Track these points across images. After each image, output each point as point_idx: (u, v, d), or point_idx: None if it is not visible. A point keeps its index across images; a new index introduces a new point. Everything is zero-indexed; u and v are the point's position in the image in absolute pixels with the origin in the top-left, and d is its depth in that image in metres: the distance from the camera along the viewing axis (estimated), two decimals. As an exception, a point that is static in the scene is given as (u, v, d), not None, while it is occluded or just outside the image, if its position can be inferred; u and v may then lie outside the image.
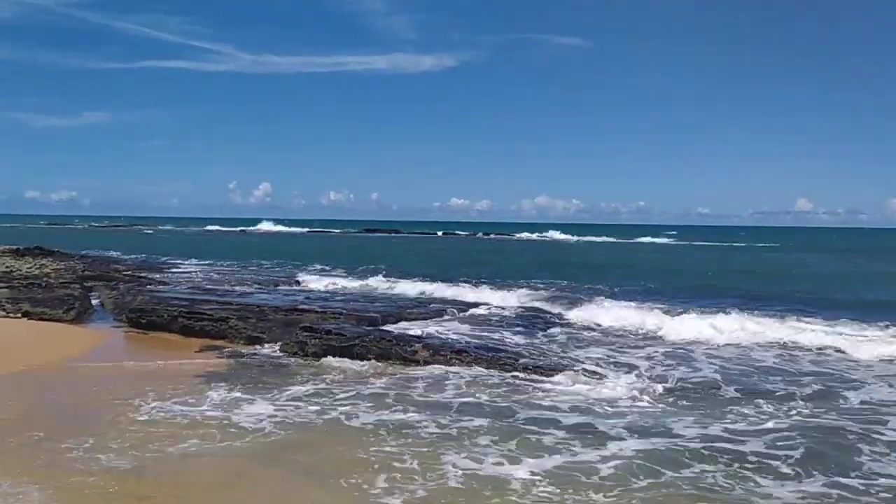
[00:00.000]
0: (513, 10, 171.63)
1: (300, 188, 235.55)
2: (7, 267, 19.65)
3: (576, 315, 15.16)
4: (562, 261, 36.62)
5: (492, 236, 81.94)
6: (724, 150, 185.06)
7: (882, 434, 7.29)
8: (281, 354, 11.28)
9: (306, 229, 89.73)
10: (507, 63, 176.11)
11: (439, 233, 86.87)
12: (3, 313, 14.03)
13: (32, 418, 7.43)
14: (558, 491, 5.72)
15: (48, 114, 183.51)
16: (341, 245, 53.01)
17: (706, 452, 6.64)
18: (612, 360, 11.05)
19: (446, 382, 9.46)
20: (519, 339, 12.73)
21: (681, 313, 14.76)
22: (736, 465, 6.36)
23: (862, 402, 8.65)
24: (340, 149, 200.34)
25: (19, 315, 13.95)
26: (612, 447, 6.78)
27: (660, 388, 9.22)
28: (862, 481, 6.01)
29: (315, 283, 21.56)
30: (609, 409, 8.28)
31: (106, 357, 11.07)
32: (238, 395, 8.57)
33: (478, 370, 10.13)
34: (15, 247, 24.96)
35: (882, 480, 6.02)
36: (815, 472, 6.16)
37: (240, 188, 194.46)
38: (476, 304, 16.64)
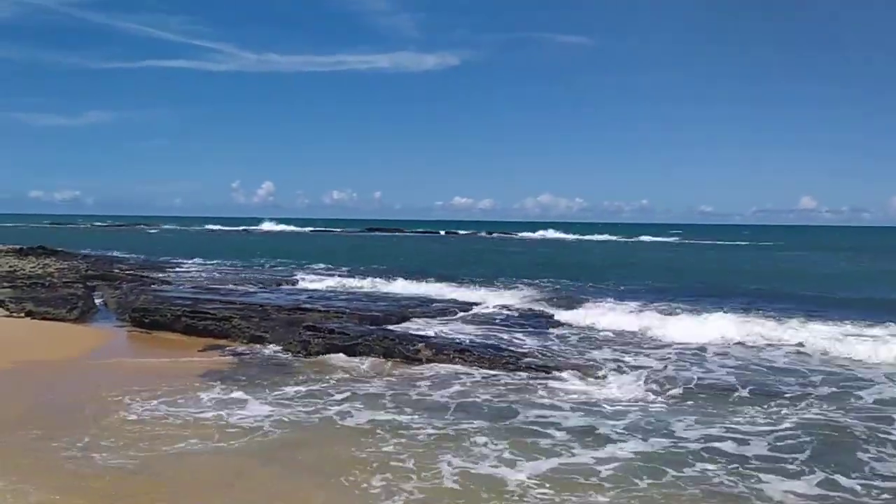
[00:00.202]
0: (516, 8, 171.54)
1: (303, 187, 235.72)
2: (11, 266, 19.66)
3: (579, 315, 15.07)
4: (565, 260, 36.53)
5: (494, 235, 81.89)
6: (726, 148, 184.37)
7: (890, 434, 7.22)
8: (284, 354, 11.25)
9: (309, 229, 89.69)
10: (510, 61, 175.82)
11: (442, 232, 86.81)
12: (7, 313, 14.05)
13: (31, 417, 7.40)
14: (558, 490, 5.67)
15: (50, 114, 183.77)
16: (344, 244, 52.97)
17: (707, 454, 6.58)
18: (616, 360, 10.98)
19: (449, 382, 9.42)
20: (523, 338, 12.70)
21: (685, 313, 14.69)
22: (741, 465, 6.29)
23: (875, 402, 8.57)
24: (343, 148, 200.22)
25: (23, 314, 13.98)
26: (614, 448, 6.72)
27: (664, 388, 9.15)
28: (865, 481, 5.94)
29: (318, 282, 21.52)
30: (613, 409, 8.21)
31: (108, 356, 11.08)
32: (239, 394, 8.54)
33: (481, 369, 10.09)
34: (18, 246, 25.04)
35: (887, 483, 5.94)
36: (822, 472, 6.10)
37: (242, 187, 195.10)
38: (479, 304, 16.67)
